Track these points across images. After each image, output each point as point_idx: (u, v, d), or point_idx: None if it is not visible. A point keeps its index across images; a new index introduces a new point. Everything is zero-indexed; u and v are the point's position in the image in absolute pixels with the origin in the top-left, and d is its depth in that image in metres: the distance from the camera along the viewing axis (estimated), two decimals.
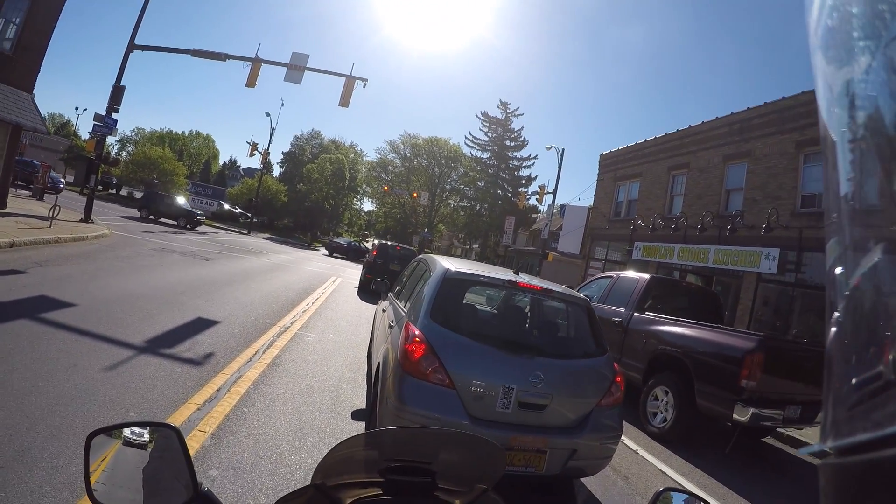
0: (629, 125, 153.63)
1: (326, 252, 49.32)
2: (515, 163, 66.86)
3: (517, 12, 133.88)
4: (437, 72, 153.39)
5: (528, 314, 6.41)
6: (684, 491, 1.66)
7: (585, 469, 4.92)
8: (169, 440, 1.39)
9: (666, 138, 25.38)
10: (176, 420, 5.10)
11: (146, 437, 1.48)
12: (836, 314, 0.77)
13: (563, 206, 37.37)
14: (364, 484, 1.30)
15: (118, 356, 6.59)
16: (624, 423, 5.21)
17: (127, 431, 1.44)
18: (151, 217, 35.89)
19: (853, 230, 0.78)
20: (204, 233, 35.17)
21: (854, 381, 0.71)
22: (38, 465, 3.79)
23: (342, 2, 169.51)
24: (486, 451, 1.39)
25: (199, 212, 38.92)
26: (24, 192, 31.51)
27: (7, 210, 19.72)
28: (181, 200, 39.11)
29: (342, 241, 53.10)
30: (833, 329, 0.77)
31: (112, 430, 1.41)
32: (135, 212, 37.36)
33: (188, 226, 35.69)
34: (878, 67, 0.70)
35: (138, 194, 50.80)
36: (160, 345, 7.46)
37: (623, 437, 6.22)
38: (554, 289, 5.72)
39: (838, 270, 0.78)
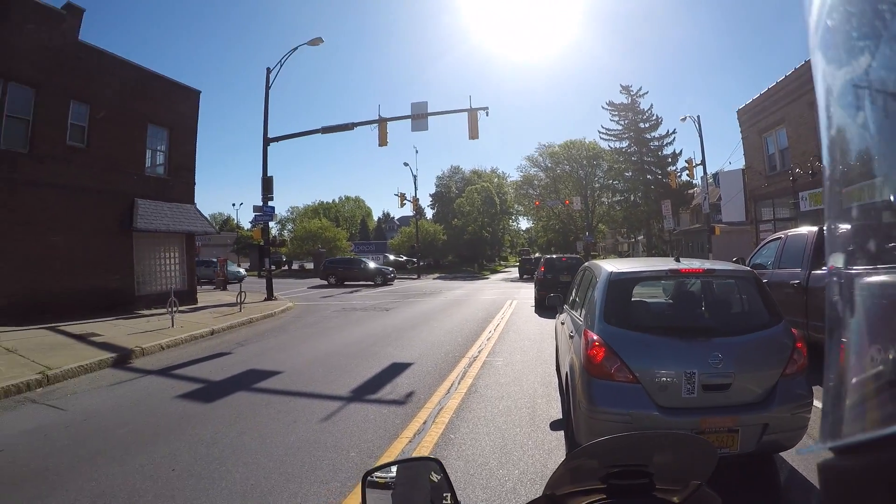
0: (756, 71, 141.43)
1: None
2: (655, 143, 63.69)
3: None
4: (549, 78, 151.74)
5: (700, 297, 6.38)
6: None
7: (782, 442, 4.75)
8: (430, 471, 1.66)
9: (798, 72, 23.52)
10: (391, 453, 5.73)
11: (411, 470, 1.80)
12: (837, 314, 0.79)
13: (715, 175, 35.07)
14: (588, 491, 1.41)
15: (330, 408, 7.45)
16: (818, 389, 5.03)
17: (394, 468, 1.74)
18: (335, 281, 38.74)
19: (853, 230, 0.81)
20: (378, 286, 37.22)
21: (854, 381, 0.74)
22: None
23: (443, 43, 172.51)
24: (696, 448, 1.47)
25: (389, 269, 41.88)
26: (208, 286, 35.24)
27: (199, 304, 22.52)
28: (371, 263, 41.96)
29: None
30: (833, 329, 0.79)
31: (382, 469, 1.72)
32: (312, 281, 40.65)
33: (384, 283, 38.21)
34: (877, 67, 0.74)
35: (308, 265, 54.89)
36: (364, 392, 8.28)
37: (818, 404, 5.97)
38: (716, 267, 5.74)
39: (838, 270, 0.81)
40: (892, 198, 0.76)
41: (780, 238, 10.98)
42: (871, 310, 0.78)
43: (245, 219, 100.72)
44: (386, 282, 38.54)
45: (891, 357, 0.70)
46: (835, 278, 0.81)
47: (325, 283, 38.97)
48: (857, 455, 0.68)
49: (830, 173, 0.81)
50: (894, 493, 0.62)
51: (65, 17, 18.40)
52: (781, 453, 5.18)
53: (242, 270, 45.52)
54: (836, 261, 0.81)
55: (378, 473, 1.71)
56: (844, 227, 0.82)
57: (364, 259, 43.23)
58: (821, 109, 0.81)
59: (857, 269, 0.80)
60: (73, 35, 18.77)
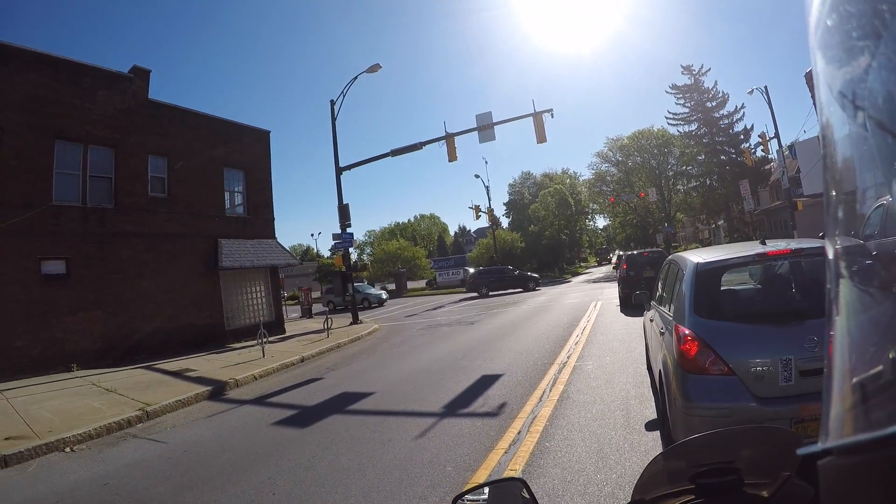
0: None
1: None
2: (725, 122, 60.98)
3: None
4: (608, 69, 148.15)
5: (790, 279, 6.15)
6: None
7: None
8: (518, 490, 1.70)
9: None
10: (488, 465, 5.78)
11: (500, 490, 1.84)
12: (837, 314, 0.79)
13: (791, 146, 33.59)
14: (677, 493, 1.42)
15: (423, 425, 7.56)
16: None
17: (486, 489, 1.79)
18: (490, 293, 39.06)
19: (853, 230, 0.82)
20: (459, 300, 37.09)
21: (854, 381, 0.73)
22: None
23: (501, 50, 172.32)
24: (782, 438, 1.47)
25: (535, 275, 42.54)
26: (294, 315, 36.16)
27: (287, 334, 23.30)
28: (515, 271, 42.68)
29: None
30: (833, 329, 0.79)
31: (472, 492, 1.78)
32: (394, 301, 40.90)
33: (535, 288, 38.87)
34: (877, 67, 0.73)
35: (390, 286, 55.65)
36: (456, 407, 8.37)
37: None
38: (804, 246, 5.52)
39: (838, 271, 0.80)
40: (892, 198, 0.75)
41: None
42: (871, 309, 0.78)
43: (324, 247, 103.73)
44: (535, 286, 39.39)
45: (891, 357, 0.69)
46: (835, 279, 0.80)
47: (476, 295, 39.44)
48: (857, 455, 0.68)
49: (831, 173, 0.81)
50: (894, 493, 0.62)
51: (133, 79, 19.71)
52: None
53: (384, 293, 44.07)
54: (836, 261, 0.80)
55: (468, 496, 1.74)
56: (845, 227, 0.81)
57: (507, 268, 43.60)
58: (821, 109, 0.81)
59: (856, 269, 0.80)
60: (143, 94, 20.06)
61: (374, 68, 26.15)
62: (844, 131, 0.79)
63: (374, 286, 47.36)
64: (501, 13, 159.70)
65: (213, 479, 6.32)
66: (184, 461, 7.18)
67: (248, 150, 24.67)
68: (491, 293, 38.58)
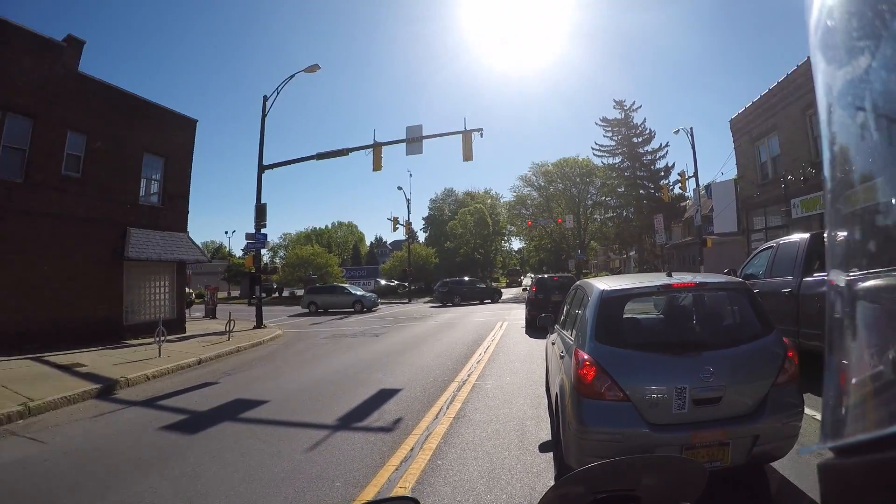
0: (749, 80, 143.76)
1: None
2: (648, 157, 63.49)
3: (594, 11, 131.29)
4: (543, 97, 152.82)
5: (692, 311, 6.31)
6: None
7: (773, 452, 4.74)
8: None
9: (789, 78, 23.73)
10: (377, 482, 5.57)
11: None
12: (837, 315, 0.79)
13: (708, 187, 35.30)
14: None
15: (316, 437, 7.27)
16: (814, 395, 4.96)
17: None
18: (315, 309, 37.93)
19: (853, 230, 0.81)
20: (359, 313, 36.42)
21: (854, 381, 0.73)
22: None
23: (438, 63, 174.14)
24: (685, 468, 1.47)
25: (372, 295, 40.32)
26: (197, 314, 34.89)
27: (187, 333, 22.28)
28: (355, 290, 40.29)
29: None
30: (833, 329, 0.79)
31: None
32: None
33: (365, 310, 36.94)
34: (877, 67, 0.72)
35: (299, 292, 54.22)
36: (351, 420, 8.11)
37: (812, 412, 5.86)
38: (708, 280, 5.79)
39: (838, 272, 0.80)
40: (892, 199, 0.74)
41: (771, 247, 10.92)
42: (871, 310, 0.77)
43: (237, 246, 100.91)
44: (364, 309, 37.15)
45: (891, 357, 0.69)
46: (835, 280, 0.80)
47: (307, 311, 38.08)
48: (857, 455, 0.67)
49: (831, 174, 0.80)
50: (894, 493, 0.61)
51: (65, 49, 18.60)
52: (772, 463, 5.15)
53: (375, 296, 40.98)
54: (836, 262, 0.81)
55: None
56: (845, 227, 0.81)
57: (345, 286, 41.52)
58: (821, 109, 0.81)
59: (856, 270, 0.78)
60: (73, 66, 18.96)
61: (312, 68, 25.82)
62: (844, 131, 0.79)
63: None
64: (441, 28, 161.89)
65: (91, 485, 5.87)
66: (62, 464, 6.66)
67: (172, 138, 23.62)
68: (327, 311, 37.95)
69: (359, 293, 39.00)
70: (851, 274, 0.78)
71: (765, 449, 4.61)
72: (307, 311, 38.01)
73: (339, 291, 39.51)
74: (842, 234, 0.80)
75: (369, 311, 36.90)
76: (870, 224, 0.76)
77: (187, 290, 35.83)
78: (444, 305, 38.51)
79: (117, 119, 20.55)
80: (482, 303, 39.59)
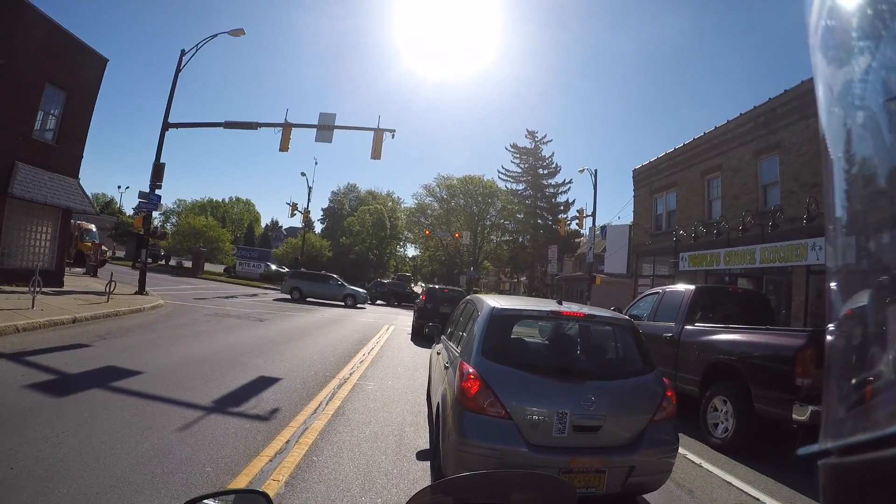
0: (657, 136, 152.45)
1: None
2: (551, 190, 66.30)
3: (523, 39, 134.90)
4: (461, 111, 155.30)
5: (577, 341, 6.52)
6: None
7: (646, 485, 4.99)
8: None
9: (694, 143, 25.30)
10: (250, 471, 5.41)
11: (245, 499, 1.71)
12: (838, 314, 0.79)
13: (603, 228, 37.03)
14: None
15: (189, 417, 6.98)
16: (686, 436, 5.23)
17: (225, 499, 1.64)
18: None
19: (853, 231, 0.82)
20: (254, 294, 35.44)
21: (854, 381, 0.74)
22: None
23: (363, 57, 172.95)
24: (557, 488, 1.48)
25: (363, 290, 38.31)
26: (77, 269, 32.66)
27: (65, 288, 20.85)
28: (345, 283, 37.67)
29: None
30: (833, 330, 0.80)
31: (209, 497, 1.59)
32: (189, 280, 37.95)
33: (358, 306, 35.06)
34: (877, 67, 0.73)
35: (187, 263, 52.13)
36: (227, 404, 7.83)
37: (685, 451, 6.21)
38: (597, 314, 5.92)
39: (838, 273, 0.82)
40: (892, 199, 0.76)
41: (657, 293, 11.55)
42: (871, 310, 0.78)
43: (129, 205, 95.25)
44: (356, 305, 34.79)
45: (891, 357, 0.70)
46: (837, 277, 0.81)
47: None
48: (857, 455, 0.67)
49: (831, 173, 0.81)
50: (894, 493, 0.62)
51: None
52: (644, 496, 5.37)
53: (365, 293, 37.81)
54: (836, 260, 0.82)
55: (206, 501, 1.58)
56: (845, 227, 0.82)
57: (337, 278, 37.79)
58: (821, 109, 0.82)
59: (857, 269, 0.81)
60: None
61: (237, 32, 24.88)
62: (844, 131, 0.79)
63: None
64: (369, 25, 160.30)
65: None
66: None
67: (79, 72, 21.81)
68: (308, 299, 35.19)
69: (351, 288, 36.44)
70: (851, 276, 0.81)
71: (640, 480, 4.83)
72: (289, 296, 34.87)
73: (331, 282, 36.45)
74: (843, 233, 0.81)
75: (360, 307, 35.27)
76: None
77: (86, 241, 33.30)
78: (293, 299, 34.85)
79: (23, 38, 18.56)
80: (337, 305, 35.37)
